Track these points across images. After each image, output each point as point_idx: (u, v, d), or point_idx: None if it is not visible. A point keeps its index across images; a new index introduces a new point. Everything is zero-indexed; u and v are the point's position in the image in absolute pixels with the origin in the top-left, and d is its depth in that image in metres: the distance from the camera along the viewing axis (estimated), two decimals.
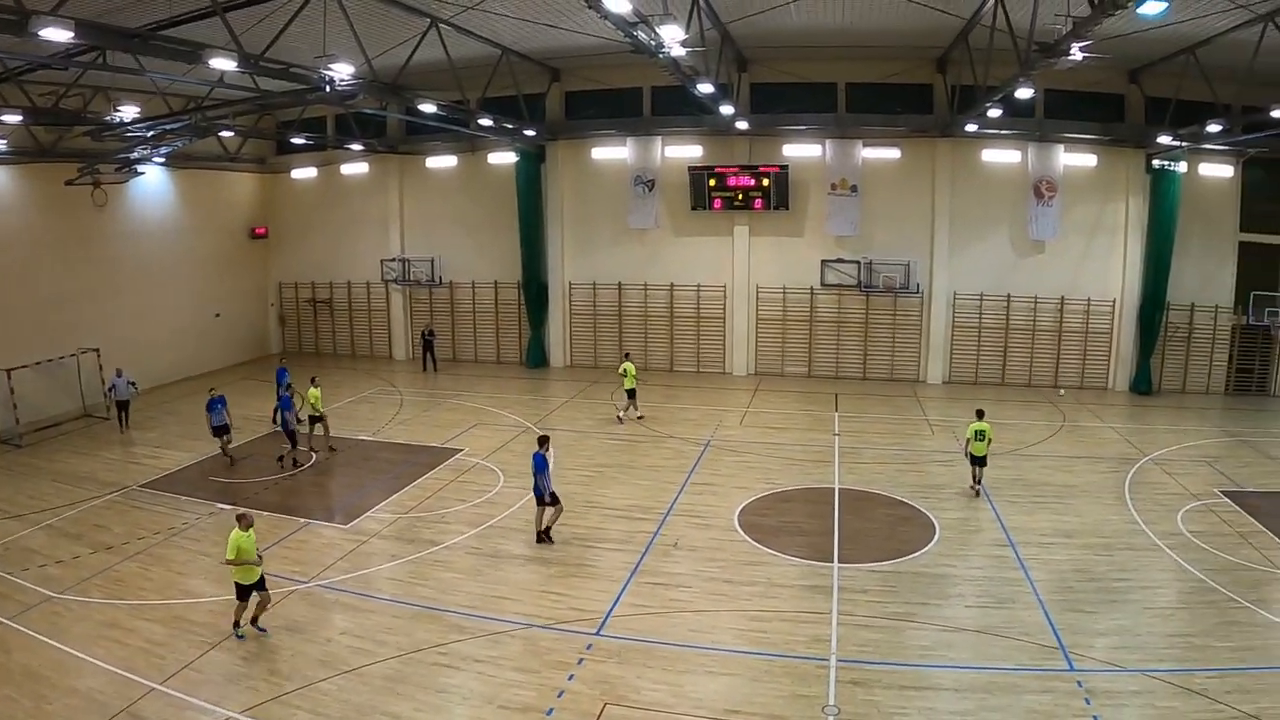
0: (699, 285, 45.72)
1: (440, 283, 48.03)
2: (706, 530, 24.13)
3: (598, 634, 17.67)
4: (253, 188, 50.82)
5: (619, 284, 46.11)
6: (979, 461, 28.08)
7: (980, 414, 28.92)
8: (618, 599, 19.40)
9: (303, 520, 24.50)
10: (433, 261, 47.57)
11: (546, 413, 36.32)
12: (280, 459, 29.73)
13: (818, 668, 17.08)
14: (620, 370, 36.82)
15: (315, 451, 30.67)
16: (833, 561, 22.34)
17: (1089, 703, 16.33)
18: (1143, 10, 19.13)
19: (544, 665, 16.60)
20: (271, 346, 52.04)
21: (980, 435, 27.68)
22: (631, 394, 36.33)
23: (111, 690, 15.99)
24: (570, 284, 46.59)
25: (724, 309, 45.98)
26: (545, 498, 23.06)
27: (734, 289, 45.63)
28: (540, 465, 22.91)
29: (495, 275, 47.45)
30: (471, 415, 35.69)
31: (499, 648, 17.15)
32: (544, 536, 23.21)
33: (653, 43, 23.84)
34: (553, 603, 18.63)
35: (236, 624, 17.75)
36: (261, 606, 17.95)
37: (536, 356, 46.78)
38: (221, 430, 30.30)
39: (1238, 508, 27.92)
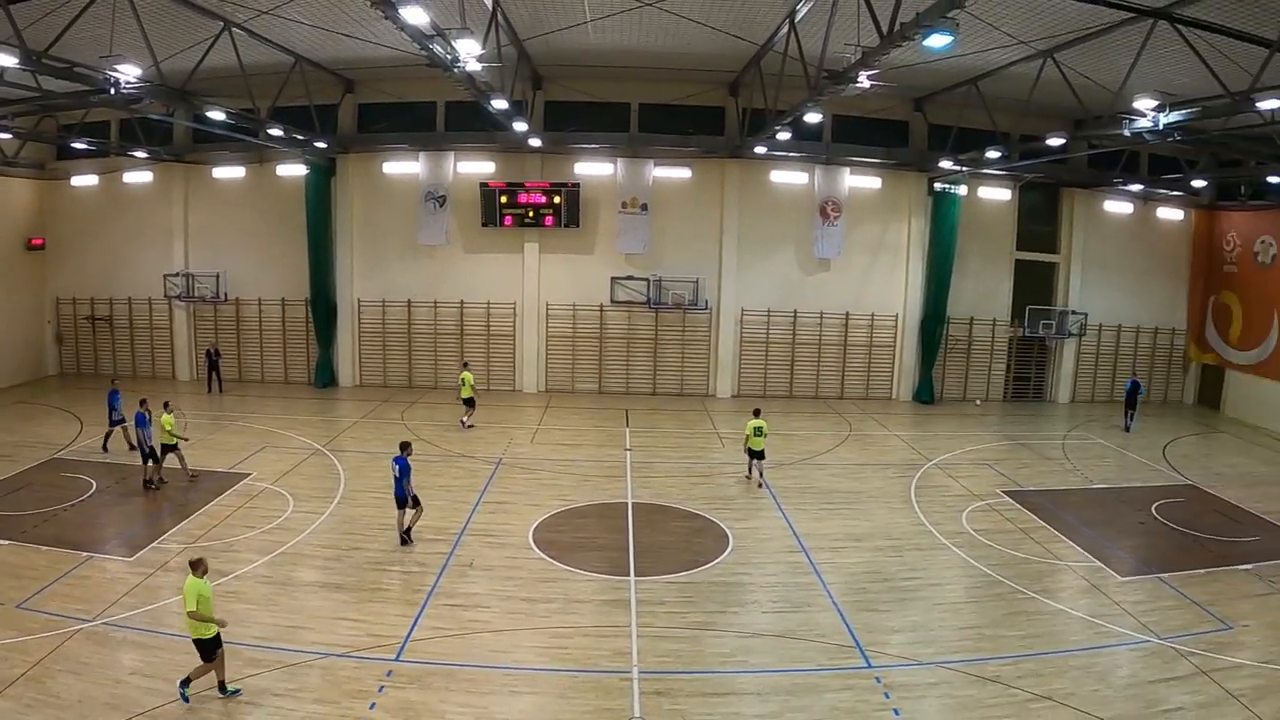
0: (489, 303, 45.44)
1: (226, 299, 45.42)
2: (502, 549, 23.93)
3: (397, 660, 17.21)
4: (30, 195, 46.25)
5: (408, 301, 45.22)
6: (757, 455, 30.68)
7: (757, 412, 31.31)
8: (415, 622, 18.98)
9: (84, 554, 22.40)
10: (218, 277, 44.90)
11: (336, 433, 35.20)
12: (148, 482, 27.95)
13: (621, 680, 17.20)
14: (459, 380, 37.84)
15: (163, 482, 28.45)
16: (629, 575, 22.54)
17: (888, 697, 17.16)
18: (928, 43, 20.04)
19: (344, 695, 15.99)
20: (48, 367, 47.60)
21: (759, 431, 30.16)
22: (469, 402, 37.43)
23: None
24: (359, 301, 45.27)
25: (514, 326, 45.83)
26: (408, 501, 23.81)
27: (524, 306, 45.56)
28: (404, 469, 23.74)
29: (283, 292, 45.43)
30: (259, 438, 34.07)
31: (297, 679, 16.38)
32: (406, 538, 23.89)
33: (448, 57, 23.76)
34: (349, 630, 18.02)
35: (221, 685, 15.81)
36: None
37: (325, 376, 45.15)
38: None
39: (1019, 505, 30.27)
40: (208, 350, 44.15)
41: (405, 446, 24.56)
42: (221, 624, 15.88)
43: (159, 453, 28.27)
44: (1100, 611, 21.97)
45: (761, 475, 31.09)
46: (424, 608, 19.86)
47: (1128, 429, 43.48)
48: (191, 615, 15.51)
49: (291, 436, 34.47)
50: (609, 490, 29.76)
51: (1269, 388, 46.64)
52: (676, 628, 19.77)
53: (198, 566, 15.94)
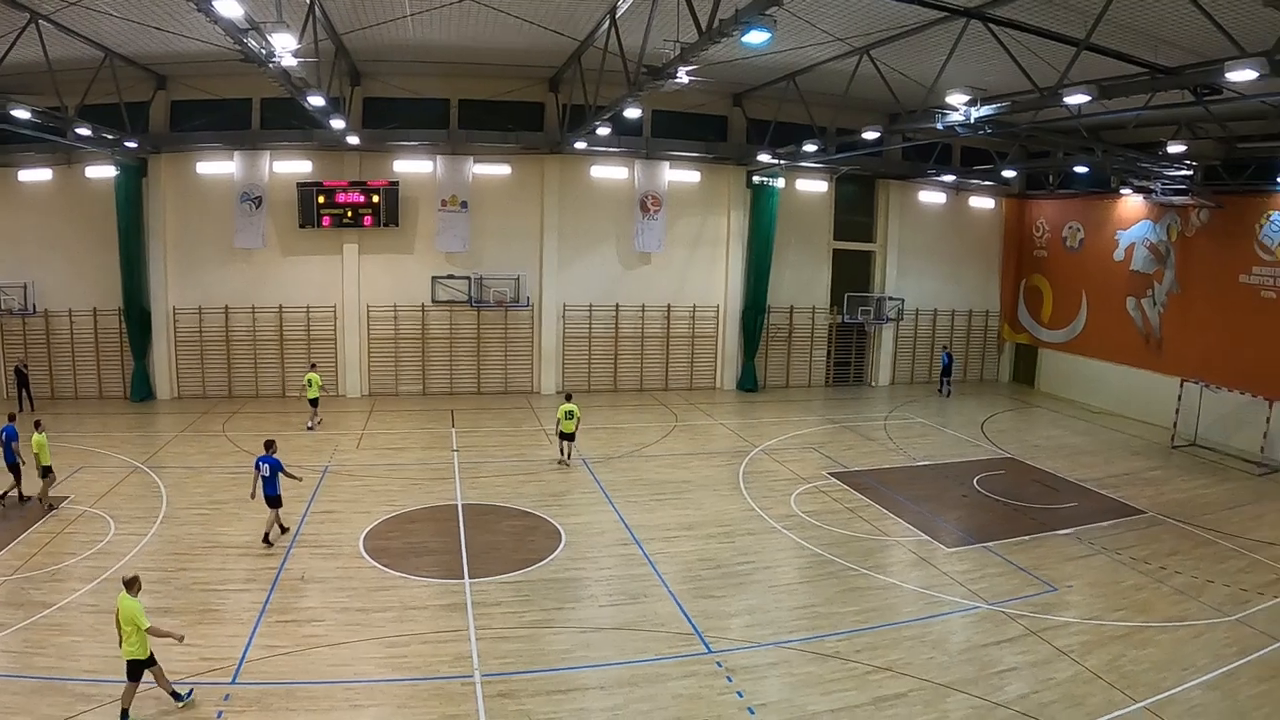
0: (309, 306, 44.43)
1: (34, 311, 41.95)
2: (333, 560, 23.62)
3: (233, 682, 16.84)
4: None
5: (226, 308, 43.61)
6: (568, 437, 32.93)
7: (568, 396, 33.41)
8: (249, 642, 18.59)
9: None
10: (25, 287, 41.50)
11: (156, 449, 33.78)
12: (3, 496, 26.70)
13: (464, 685, 17.31)
14: (306, 380, 38.10)
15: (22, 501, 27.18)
16: (464, 578, 22.66)
17: (731, 680, 17.84)
18: (746, 40, 20.60)
19: None
20: None
21: (569, 415, 31.94)
22: (314, 403, 38.05)
23: None
24: (175, 309, 43.15)
25: (335, 330, 44.98)
26: (279, 500, 24.67)
27: (345, 309, 44.78)
28: (276, 466, 24.46)
29: (95, 302, 42.56)
30: (75, 458, 32.02)
31: (131, 712, 15.63)
32: (269, 540, 24.48)
33: (263, 51, 23.18)
34: (182, 655, 17.32)
35: (124, 713, 15.34)
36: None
37: (142, 389, 42.78)
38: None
39: (846, 486, 31.93)
40: (17, 366, 41.46)
41: (270, 445, 24.80)
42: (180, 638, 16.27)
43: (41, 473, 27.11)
44: (930, 582, 23.49)
45: (568, 456, 33.25)
46: (257, 626, 19.44)
47: (946, 394, 46.13)
48: (152, 632, 15.41)
49: (109, 455, 32.86)
50: (438, 493, 29.74)
51: (1079, 363, 49.83)
52: (515, 628, 19.98)
53: (133, 585, 15.77)
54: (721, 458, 35.13)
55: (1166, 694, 17.84)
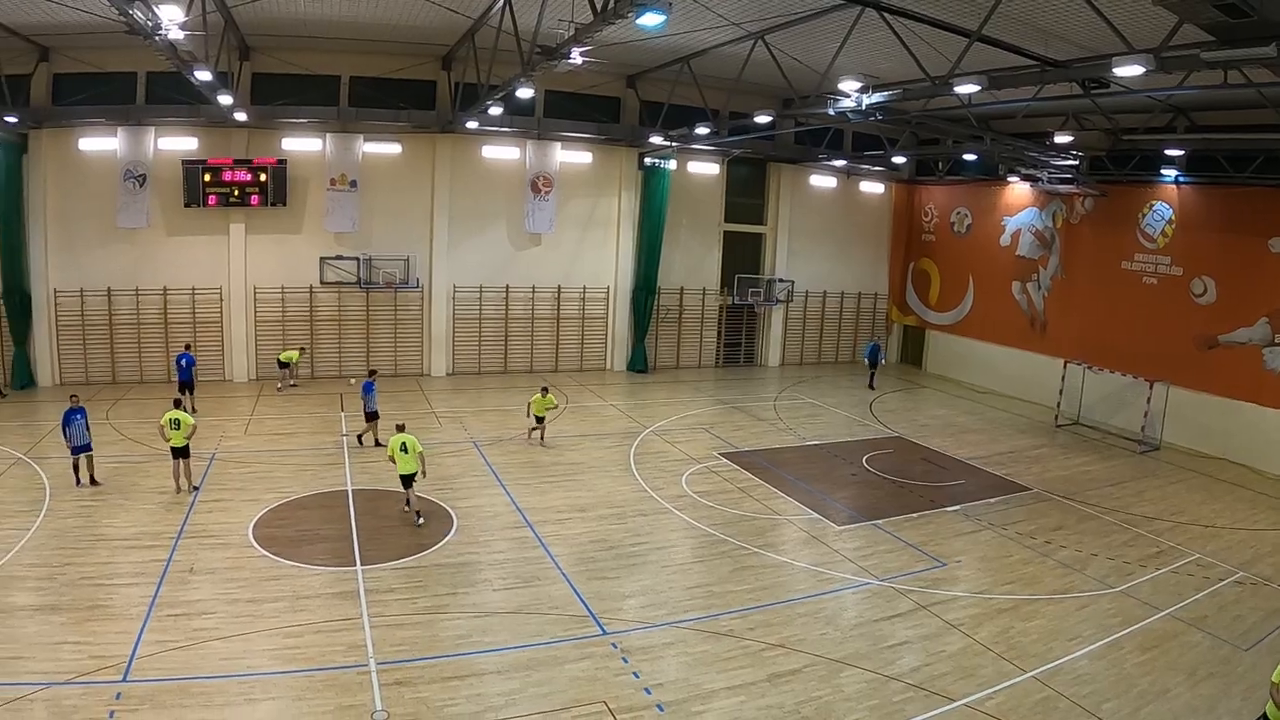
0: (194, 288, 43.33)
1: None
2: (222, 550, 23.26)
3: (124, 680, 16.60)
4: None
5: (109, 290, 42.09)
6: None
7: (545, 390, 34.35)
8: (139, 638, 18.30)
9: None
10: None
11: (38, 439, 32.60)
12: None
13: (359, 674, 17.32)
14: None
15: None
16: (356, 565, 22.63)
17: (626, 661, 18.28)
18: (641, 22, 20.80)
19: None
20: None
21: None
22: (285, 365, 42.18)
23: None
24: (56, 292, 41.21)
25: (221, 312, 44.02)
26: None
27: (231, 291, 43.83)
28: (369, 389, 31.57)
29: None
30: None
31: (19, 716, 15.37)
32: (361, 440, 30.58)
33: (149, 23, 22.46)
34: (71, 654, 17.25)
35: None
36: None
37: (22, 376, 40.70)
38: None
39: (736, 466, 32.68)
40: None
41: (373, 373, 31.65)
42: None
43: None
44: (822, 560, 24.36)
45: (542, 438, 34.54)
46: (146, 621, 19.12)
47: (871, 386, 46.63)
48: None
49: None
50: (328, 479, 29.55)
51: (966, 345, 51.25)
52: (409, 614, 20.10)
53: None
54: (612, 439, 35.57)
55: (1054, 664, 18.90)
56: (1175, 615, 21.72)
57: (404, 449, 25.72)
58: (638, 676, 17.51)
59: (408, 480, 25.98)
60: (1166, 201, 40.84)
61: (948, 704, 17.06)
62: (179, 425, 27.20)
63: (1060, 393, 42.90)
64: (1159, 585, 23.46)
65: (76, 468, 27.74)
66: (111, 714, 15.47)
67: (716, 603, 21.27)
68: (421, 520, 25.76)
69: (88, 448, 27.78)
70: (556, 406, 33.80)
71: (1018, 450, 37.02)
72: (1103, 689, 17.89)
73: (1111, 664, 19.01)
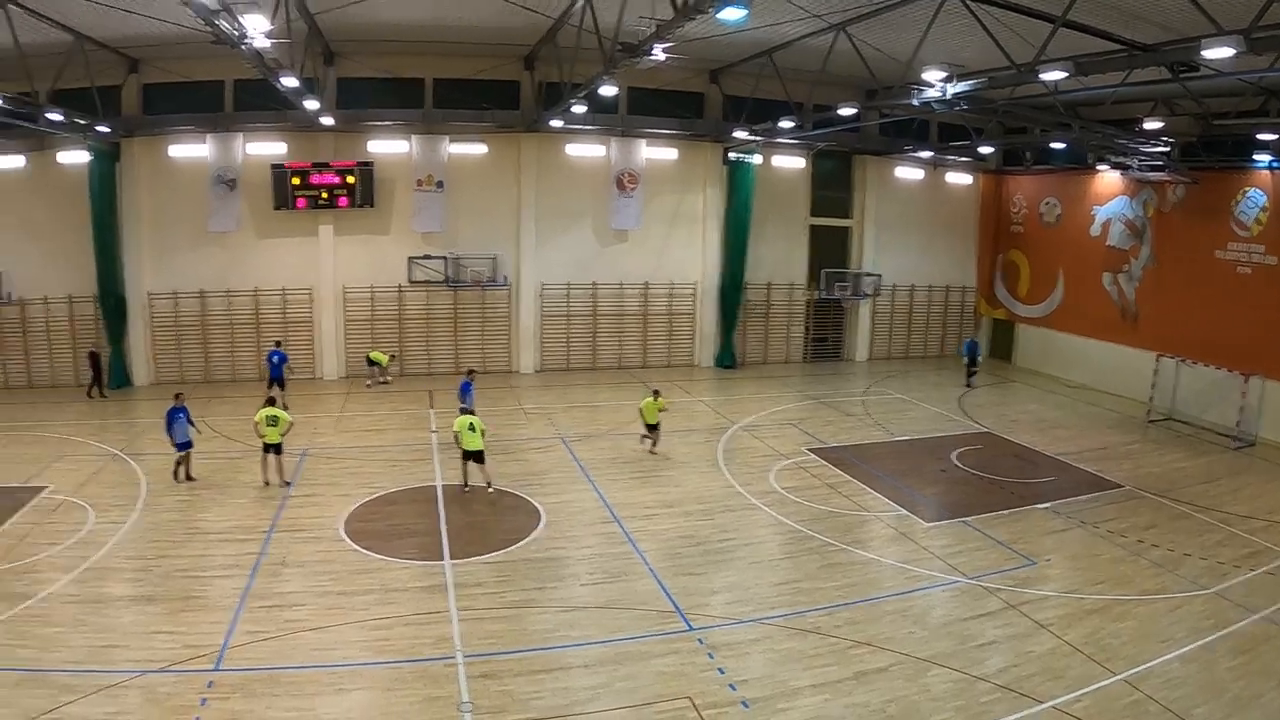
0: (284, 289, 44.13)
1: (9, 300, 40.87)
2: (314, 543, 23.57)
3: (217, 669, 16.84)
4: None
5: (201, 292, 43.10)
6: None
7: (655, 394, 32.62)
8: (232, 629, 18.56)
9: None
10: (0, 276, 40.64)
11: (134, 436, 33.52)
12: None
13: (446, 667, 17.33)
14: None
15: None
16: (444, 559, 22.70)
17: (712, 657, 17.97)
18: (722, 16, 20.48)
19: (166, 713, 15.42)
20: None
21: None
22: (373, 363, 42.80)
23: None
24: (150, 295, 42.44)
25: (311, 312, 44.71)
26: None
27: (321, 291, 44.50)
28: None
29: (70, 289, 41.58)
30: (53, 447, 31.82)
31: (116, 702, 15.66)
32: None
33: (235, 33, 22.82)
34: (165, 643, 17.53)
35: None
36: None
37: (119, 376, 41.95)
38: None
39: (825, 462, 32.08)
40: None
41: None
42: None
43: None
44: (910, 557, 23.71)
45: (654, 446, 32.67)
46: (239, 612, 19.40)
47: (970, 385, 45.68)
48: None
49: (87, 443, 32.58)
50: (417, 474, 29.71)
51: (1056, 338, 49.92)
52: (497, 608, 20.06)
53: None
54: (700, 435, 35.26)
55: (1145, 666, 18.08)
56: (1271, 618, 20.58)
57: (471, 429, 27.14)
58: (723, 673, 17.25)
59: (478, 456, 27.37)
60: (1260, 188, 38.93)
61: (1035, 705, 16.45)
62: (276, 422, 27.68)
63: (1153, 387, 41.45)
64: (1253, 587, 22.31)
65: (177, 464, 28.27)
66: (204, 701, 15.69)
67: (803, 599, 20.88)
68: (492, 489, 27.20)
69: (189, 445, 28.36)
70: (668, 410, 32.90)
71: (1109, 446, 35.82)
72: (1193, 693, 17.05)
73: (1203, 668, 18.12)
